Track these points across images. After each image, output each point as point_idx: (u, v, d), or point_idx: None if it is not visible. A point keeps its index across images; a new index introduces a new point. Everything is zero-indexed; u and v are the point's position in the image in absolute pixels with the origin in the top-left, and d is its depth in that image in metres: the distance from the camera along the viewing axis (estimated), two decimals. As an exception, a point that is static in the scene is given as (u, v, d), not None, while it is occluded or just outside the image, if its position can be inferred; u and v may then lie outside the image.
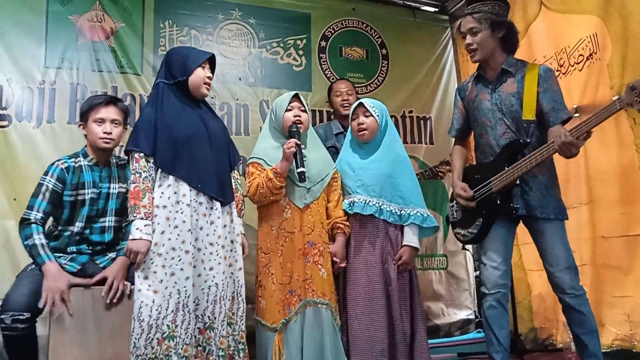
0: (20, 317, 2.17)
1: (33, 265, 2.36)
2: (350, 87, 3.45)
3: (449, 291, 4.18)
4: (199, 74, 2.35)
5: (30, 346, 2.27)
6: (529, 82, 2.43)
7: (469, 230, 2.59)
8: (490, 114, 2.52)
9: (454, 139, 2.80)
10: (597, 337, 2.38)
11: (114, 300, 2.28)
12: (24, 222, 2.35)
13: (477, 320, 4.14)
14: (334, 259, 2.49)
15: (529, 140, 2.40)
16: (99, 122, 2.47)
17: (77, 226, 2.45)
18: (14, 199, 3.11)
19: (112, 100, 2.54)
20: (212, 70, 2.46)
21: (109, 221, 2.53)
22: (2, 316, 2.18)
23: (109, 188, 2.53)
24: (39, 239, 2.31)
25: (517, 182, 2.40)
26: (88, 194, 2.47)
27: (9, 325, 2.16)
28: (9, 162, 3.18)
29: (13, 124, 3.23)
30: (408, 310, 2.50)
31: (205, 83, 2.37)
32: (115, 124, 2.49)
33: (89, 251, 2.48)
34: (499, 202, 2.45)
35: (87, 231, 2.47)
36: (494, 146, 2.51)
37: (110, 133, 2.46)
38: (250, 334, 2.44)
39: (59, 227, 2.46)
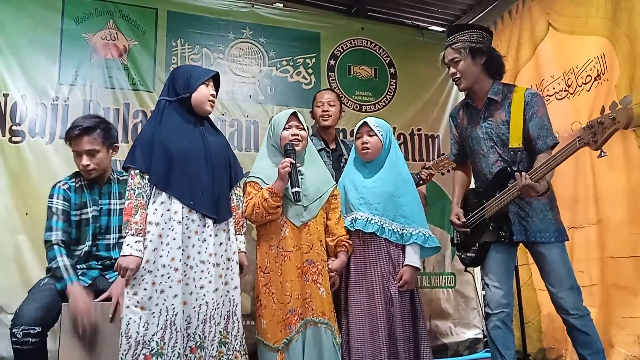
0: (32, 331, 2.18)
1: (45, 280, 2.39)
2: (332, 98, 3.28)
3: (457, 310, 4.16)
4: (203, 92, 2.36)
5: (41, 360, 2.28)
6: (515, 109, 2.46)
7: (468, 253, 2.63)
8: (482, 143, 2.55)
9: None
10: (604, 357, 2.37)
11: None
12: (47, 244, 2.39)
13: (486, 339, 4.11)
14: (331, 273, 2.49)
15: (515, 169, 2.42)
16: (77, 154, 2.49)
17: (86, 245, 2.48)
18: (26, 214, 3.15)
19: (83, 132, 2.47)
20: (217, 89, 2.47)
21: (113, 238, 2.55)
22: (13, 330, 2.20)
23: (109, 204, 2.55)
24: (62, 261, 2.34)
25: (508, 209, 2.43)
26: (90, 212, 2.51)
27: (20, 339, 2.18)
28: (22, 177, 3.21)
29: (26, 139, 3.27)
30: (410, 330, 2.49)
31: (209, 100, 2.38)
32: (91, 153, 2.47)
33: (99, 266, 2.50)
34: (491, 228, 2.47)
35: (94, 248, 2.51)
36: (487, 174, 2.55)
37: (88, 164, 2.46)
38: (252, 353, 2.44)
39: (69, 247, 2.48)
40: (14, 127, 3.25)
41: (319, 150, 3.06)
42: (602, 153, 2.06)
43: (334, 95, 3.34)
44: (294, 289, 2.39)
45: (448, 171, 2.94)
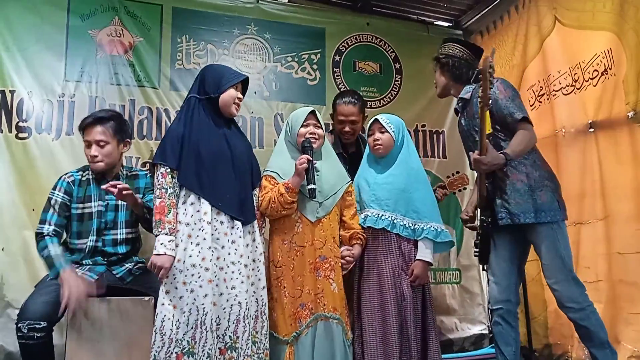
0: (37, 326, 2.19)
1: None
2: (355, 116, 3.01)
3: (463, 306, 4.15)
4: (231, 94, 2.40)
5: (47, 355, 2.29)
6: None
7: (475, 249, 2.63)
8: (469, 138, 2.62)
9: None
10: (608, 348, 2.35)
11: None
12: (38, 236, 2.40)
13: (491, 335, 4.10)
14: (347, 258, 2.49)
15: None
16: (87, 145, 2.49)
17: (90, 240, 2.49)
18: (33, 210, 3.15)
19: (96, 121, 2.49)
20: (244, 92, 2.51)
21: (120, 234, 2.56)
22: (19, 325, 2.20)
23: (116, 200, 2.53)
24: (53, 249, 2.34)
25: (487, 194, 2.47)
26: (95, 207, 2.51)
27: (26, 334, 2.18)
28: (29, 173, 3.22)
29: (33, 136, 3.28)
30: (420, 325, 2.49)
31: (235, 103, 2.41)
32: (101, 144, 2.47)
33: (105, 262, 2.51)
34: (482, 216, 2.51)
35: (100, 244, 2.51)
36: None
37: (96, 156, 2.46)
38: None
39: (71, 241, 2.49)
40: (20, 124, 3.27)
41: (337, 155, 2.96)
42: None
43: (357, 108, 3.02)
44: (305, 283, 2.41)
45: (460, 190, 2.96)
